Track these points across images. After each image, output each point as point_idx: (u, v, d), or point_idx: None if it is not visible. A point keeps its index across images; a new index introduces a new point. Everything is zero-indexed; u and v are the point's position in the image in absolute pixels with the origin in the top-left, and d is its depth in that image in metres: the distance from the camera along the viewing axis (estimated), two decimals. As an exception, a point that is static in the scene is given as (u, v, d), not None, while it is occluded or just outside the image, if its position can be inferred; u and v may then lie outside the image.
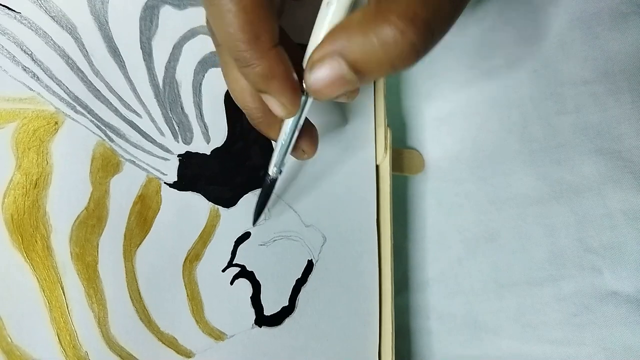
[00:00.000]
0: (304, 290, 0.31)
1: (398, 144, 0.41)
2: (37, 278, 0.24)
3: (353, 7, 0.21)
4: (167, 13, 0.27)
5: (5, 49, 0.24)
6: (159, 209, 0.27)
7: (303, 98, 0.23)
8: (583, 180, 0.34)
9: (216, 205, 0.29)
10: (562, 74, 0.34)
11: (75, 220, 0.25)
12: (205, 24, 0.28)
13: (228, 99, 0.29)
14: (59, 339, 0.24)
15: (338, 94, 0.21)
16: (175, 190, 0.28)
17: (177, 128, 0.28)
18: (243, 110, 0.26)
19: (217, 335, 0.28)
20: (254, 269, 0.29)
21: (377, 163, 0.34)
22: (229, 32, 0.20)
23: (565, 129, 0.34)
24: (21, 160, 0.24)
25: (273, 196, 0.30)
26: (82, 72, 0.26)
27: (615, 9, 0.32)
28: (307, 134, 0.27)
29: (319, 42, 0.21)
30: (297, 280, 0.31)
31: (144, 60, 0.27)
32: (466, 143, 0.39)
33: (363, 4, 0.20)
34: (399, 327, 0.38)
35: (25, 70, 0.25)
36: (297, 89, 0.22)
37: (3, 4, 0.24)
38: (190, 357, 0.27)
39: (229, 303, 0.29)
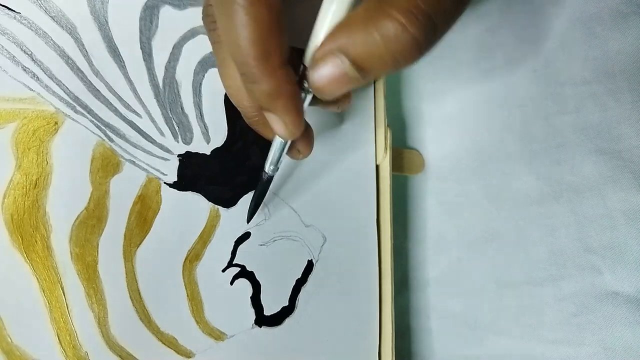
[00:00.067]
0: (304, 290, 0.31)
1: (398, 144, 0.41)
2: (37, 278, 0.24)
3: (354, 5, 0.20)
4: (167, 13, 0.27)
5: (5, 49, 0.24)
6: (159, 209, 0.27)
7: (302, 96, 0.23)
8: (583, 180, 0.34)
9: (216, 205, 0.29)
10: (562, 74, 0.34)
11: (75, 221, 0.25)
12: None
13: (228, 99, 0.29)
14: (59, 339, 0.24)
15: (341, 91, 0.21)
16: (175, 190, 0.28)
17: (177, 128, 0.28)
18: (238, 109, 0.25)
19: (217, 335, 0.28)
20: (254, 269, 0.29)
21: (377, 163, 0.34)
22: (240, 46, 0.20)
23: (565, 129, 0.34)
24: (21, 160, 0.24)
25: (273, 196, 0.30)
26: (82, 72, 0.26)
27: (615, 9, 0.32)
28: (304, 134, 0.27)
29: (321, 39, 0.21)
30: (297, 280, 0.31)
31: (144, 60, 0.27)
32: (466, 143, 0.39)
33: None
34: (399, 327, 0.38)
35: (25, 70, 0.25)
36: (301, 111, 0.22)
37: (3, 4, 0.24)
38: (190, 357, 0.27)
39: (229, 303, 0.29)
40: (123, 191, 0.26)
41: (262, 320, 0.29)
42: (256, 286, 0.29)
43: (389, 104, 0.35)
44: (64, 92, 0.25)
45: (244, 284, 0.29)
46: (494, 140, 0.37)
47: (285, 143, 0.25)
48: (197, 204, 0.28)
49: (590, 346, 0.33)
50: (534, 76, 0.35)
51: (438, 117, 0.40)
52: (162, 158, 0.27)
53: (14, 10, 0.24)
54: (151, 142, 0.27)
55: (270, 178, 0.27)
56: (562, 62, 0.34)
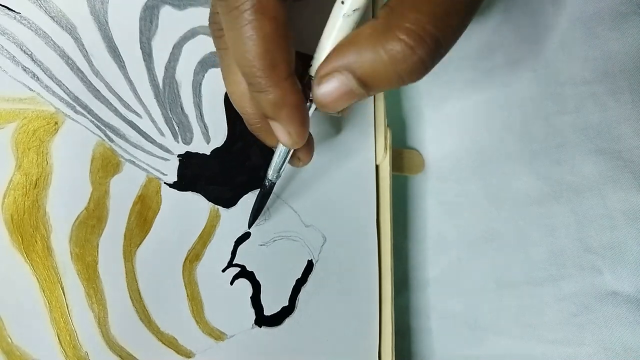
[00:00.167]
0: (304, 290, 0.31)
1: (398, 144, 0.41)
2: (37, 278, 0.24)
3: (359, 21, 0.21)
4: (167, 13, 0.27)
5: (5, 49, 0.24)
6: (159, 209, 0.27)
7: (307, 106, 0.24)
8: (583, 180, 0.34)
9: (216, 206, 0.29)
10: (562, 74, 0.34)
11: (75, 221, 0.25)
12: (206, 25, 0.28)
13: (228, 100, 0.29)
14: (59, 339, 0.24)
15: (344, 106, 0.22)
16: (175, 190, 0.28)
17: (177, 128, 0.28)
18: (241, 115, 0.26)
19: (217, 335, 0.28)
20: (254, 269, 0.29)
21: (377, 163, 0.34)
22: (247, 58, 0.20)
23: (565, 129, 0.34)
24: (21, 160, 0.24)
25: (274, 196, 0.30)
26: (82, 72, 0.26)
27: (615, 9, 0.32)
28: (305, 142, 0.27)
29: (327, 54, 0.21)
30: (297, 280, 0.31)
31: (144, 60, 0.27)
32: (466, 143, 0.39)
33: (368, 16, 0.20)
34: (399, 327, 0.38)
35: (25, 70, 0.25)
36: (305, 121, 0.23)
37: (3, 4, 0.24)
38: (190, 357, 0.27)
39: (229, 303, 0.29)
40: (123, 191, 0.26)
41: (262, 320, 0.29)
42: (256, 286, 0.29)
43: (388, 104, 0.35)
44: (64, 92, 0.25)
45: (244, 284, 0.29)
46: (494, 140, 0.37)
47: (288, 152, 0.26)
48: (197, 204, 0.28)
49: (590, 346, 0.33)
50: (534, 76, 0.35)
51: (438, 117, 0.40)
52: (162, 158, 0.27)
53: (14, 11, 0.24)
54: (151, 142, 0.27)
55: (273, 185, 0.28)
56: (562, 62, 0.34)
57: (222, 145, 0.29)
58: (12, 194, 0.24)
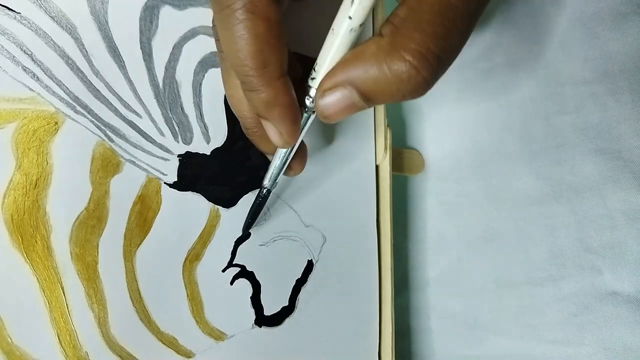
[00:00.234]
0: (304, 290, 0.31)
1: (398, 144, 0.41)
2: (37, 278, 0.24)
3: (357, 37, 0.21)
4: (167, 13, 0.27)
5: (6, 49, 0.24)
6: (159, 209, 0.27)
7: (305, 115, 0.24)
8: (583, 180, 0.34)
9: (216, 206, 0.29)
10: (562, 74, 0.34)
11: (75, 221, 0.25)
12: (206, 25, 0.28)
13: (228, 99, 0.29)
14: (59, 339, 0.24)
15: (345, 117, 0.22)
16: (175, 190, 0.28)
17: (177, 128, 0.28)
18: (239, 119, 0.26)
19: (217, 336, 0.28)
20: (254, 269, 0.29)
21: (377, 163, 0.34)
22: (239, 57, 0.20)
23: (565, 129, 0.34)
24: (21, 160, 0.24)
25: (273, 196, 0.30)
26: (82, 72, 0.26)
27: (615, 9, 0.32)
28: (298, 152, 0.27)
29: (330, 67, 0.22)
30: (297, 280, 0.31)
31: (144, 60, 0.27)
32: (466, 143, 0.39)
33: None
34: (399, 327, 0.38)
35: (25, 70, 0.25)
36: (297, 121, 0.23)
37: (3, 4, 0.24)
38: (190, 357, 0.27)
39: (229, 303, 0.29)
40: (123, 191, 0.26)
41: (262, 320, 0.29)
42: (256, 286, 0.29)
43: (389, 104, 0.35)
44: (64, 92, 0.25)
45: (244, 284, 0.29)
46: (494, 140, 0.37)
47: (285, 160, 0.26)
48: (197, 204, 0.28)
49: (590, 346, 0.33)
50: (534, 76, 0.35)
51: (438, 117, 0.40)
52: (162, 158, 0.27)
53: (14, 11, 0.24)
54: (151, 142, 0.27)
55: (269, 193, 0.28)
56: (562, 62, 0.34)
57: (222, 145, 0.29)
58: (12, 194, 0.24)
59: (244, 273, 0.29)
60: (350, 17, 0.21)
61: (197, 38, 0.28)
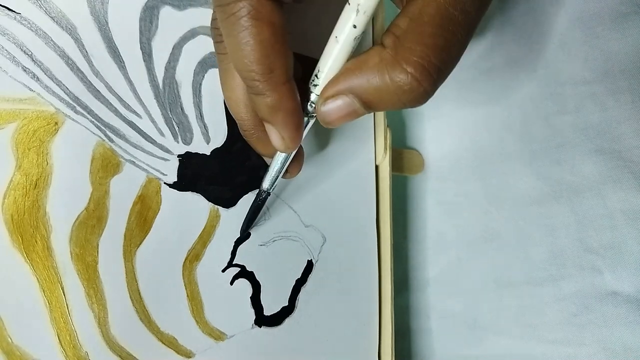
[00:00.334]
0: (303, 290, 0.31)
1: (398, 144, 0.41)
2: (37, 278, 0.24)
3: (357, 45, 0.22)
4: (167, 13, 0.27)
5: (6, 50, 0.24)
6: (159, 209, 0.27)
7: (305, 120, 0.24)
8: (583, 180, 0.34)
9: (216, 206, 0.29)
10: (562, 74, 0.34)
11: (75, 221, 0.25)
12: (206, 25, 0.28)
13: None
14: (59, 339, 0.24)
15: (346, 122, 0.23)
16: (175, 190, 0.28)
17: (177, 128, 0.28)
18: (236, 121, 0.26)
19: (217, 336, 0.28)
20: (254, 269, 0.29)
21: (377, 163, 0.34)
22: (245, 63, 0.21)
23: (565, 129, 0.34)
24: (21, 160, 0.24)
25: (273, 196, 0.30)
26: (82, 72, 0.26)
27: (615, 9, 0.32)
28: (295, 155, 0.27)
29: (332, 75, 0.22)
30: (296, 280, 0.31)
31: (144, 60, 0.27)
32: (466, 143, 0.39)
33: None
34: (399, 327, 0.38)
35: (25, 70, 0.25)
36: (300, 127, 0.23)
37: (3, 4, 0.24)
38: (190, 357, 0.27)
39: (229, 303, 0.29)
40: (123, 191, 0.26)
41: (262, 320, 0.29)
42: (256, 286, 0.29)
43: (388, 104, 0.35)
44: (64, 92, 0.25)
45: (243, 284, 0.29)
46: (494, 140, 0.37)
47: (284, 163, 0.26)
48: (197, 204, 0.28)
49: (590, 346, 0.33)
50: (534, 76, 0.35)
51: (438, 117, 0.40)
52: (162, 158, 0.28)
53: (14, 11, 0.24)
54: (151, 143, 0.27)
55: (268, 195, 0.28)
56: (562, 62, 0.34)
57: (222, 145, 0.29)
58: (12, 194, 0.24)
59: (244, 273, 0.29)
60: (354, 26, 0.21)
61: (197, 38, 0.28)
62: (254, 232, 0.30)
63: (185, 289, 0.28)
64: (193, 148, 0.28)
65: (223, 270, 0.29)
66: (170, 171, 0.28)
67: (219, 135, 0.29)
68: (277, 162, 0.26)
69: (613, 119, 0.33)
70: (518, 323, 0.36)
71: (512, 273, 0.36)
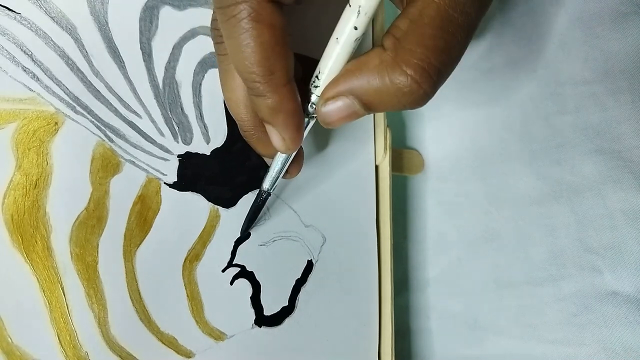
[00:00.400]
0: (303, 290, 0.31)
1: (398, 144, 0.41)
2: (37, 278, 0.24)
3: (357, 46, 0.22)
4: (167, 14, 0.27)
5: (6, 50, 0.24)
6: (159, 209, 0.27)
7: (305, 120, 0.24)
8: (583, 180, 0.34)
9: (216, 206, 0.29)
10: (562, 74, 0.34)
11: (75, 221, 0.25)
12: (205, 25, 0.28)
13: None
14: (59, 339, 0.24)
15: (346, 123, 0.23)
16: (175, 190, 0.28)
17: (176, 128, 0.28)
18: (236, 122, 0.26)
19: (217, 335, 0.28)
20: (254, 269, 0.29)
21: (377, 163, 0.34)
22: (246, 65, 0.21)
23: (565, 129, 0.34)
24: (21, 160, 0.24)
25: (273, 196, 0.30)
26: (82, 72, 0.26)
27: (615, 9, 0.32)
28: (295, 156, 0.27)
29: (333, 76, 0.22)
30: (296, 280, 0.31)
31: (144, 60, 0.27)
32: (466, 143, 0.39)
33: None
34: (399, 327, 0.38)
35: (25, 70, 0.25)
36: (301, 128, 0.23)
37: (3, 4, 0.24)
38: (190, 357, 0.27)
39: (229, 303, 0.29)
40: (123, 191, 0.26)
41: (262, 320, 0.29)
42: (256, 286, 0.29)
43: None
44: (64, 92, 0.25)
45: (243, 284, 0.29)
46: (494, 140, 0.37)
47: (285, 164, 0.26)
48: (197, 204, 0.28)
49: (590, 346, 0.33)
50: (534, 76, 0.35)
51: (438, 117, 0.40)
52: (162, 158, 0.28)
53: (14, 11, 0.24)
54: (151, 143, 0.27)
55: (268, 196, 0.28)
56: (562, 62, 0.34)
57: (222, 145, 0.29)
58: (12, 194, 0.24)
59: (244, 273, 0.29)
60: (355, 28, 0.21)
61: (197, 38, 0.28)
62: (254, 232, 0.30)
63: (185, 289, 0.28)
64: (193, 148, 0.28)
65: (223, 270, 0.29)
66: (170, 171, 0.28)
67: (219, 135, 0.29)
68: (277, 163, 0.26)
69: (613, 119, 0.33)
70: (518, 323, 0.36)
71: (512, 273, 0.36)
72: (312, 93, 0.23)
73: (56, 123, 0.25)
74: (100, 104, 0.26)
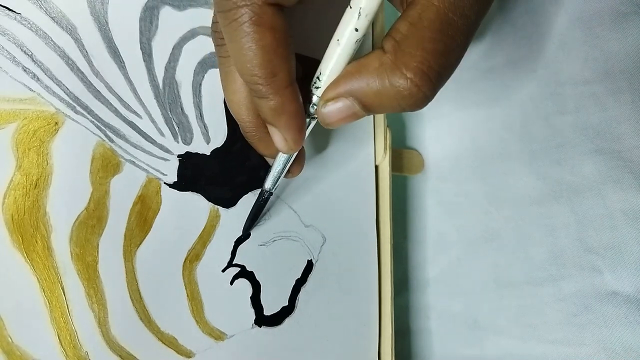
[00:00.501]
0: (303, 290, 0.31)
1: (398, 144, 0.41)
2: (37, 278, 0.24)
3: (358, 48, 0.22)
4: (167, 14, 0.27)
5: (6, 50, 0.24)
6: (159, 209, 0.27)
7: (307, 121, 0.24)
8: (583, 180, 0.34)
9: (216, 206, 0.29)
10: (562, 74, 0.34)
11: (75, 221, 0.25)
12: (205, 25, 0.28)
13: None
14: (59, 339, 0.24)
15: (345, 123, 0.23)
16: (175, 190, 0.28)
17: (177, 128, 0.28)
18: (238, 123, 0.26)
19: (217, 335, 0.28)
20: (254, 269, 0.29)
21: (377, 163, 0.34)
22: (248, 67, 0.21)
23: (565, 129, 0.34)
24: (21, 160, 0.24)
25: (273, 196, 0.30)
26: (82, 72, 0.26)
27: (615, 9, 0.32)
28: (297, 155, 0.28)
29: (333, 77, 0.22)
30: (296, 280, 0.31)
31: (144, 60, 0.27)
32: (466, 143, 0.39)
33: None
34: (399, 327, 0.38)
35: (25, 70, 0.25)
36: (303, 129, 0.24)
37: (3, 4, 0.24)
38: (190, 357, 0.27)
39: (229, 303, 0.29)
40: (123, 191, 0.26)
41: (262, 320, 0.29)
42: (256, 286, 0.29)
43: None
44: (64, 92, 0.25)
45: (243, 284, 0.29)
46: (494, 140, 0.37)
47: (286, 163, 0.26)
48: (197, 204, 0.28)
49: (590, 346, 0.33)
50: (534, 76, 0.35)
51: (438, 117, 0.40)
52: (162, 158, 0.28)
53: (14, 11, 0.24)
54: (151, 143, 0.27)
55: (270, 195, 0.28)
56: (562, 62, 0.34)
57: (222, 146, 0.29)
58: (12, 194, 0.24)
59: (244, 273, 0.29)
60: (356, 30, 0.21)
61: (197, 38, 0.28)
62: (254, 232, 0.30)
63: (185, 288, 0.28)
64: (193, 148, 0.28)
65: (223, 270, 0.29)
66: (170, 171, 0.28)
67: (219, 135, 0.29)
68: (279, 163, 0.26)
69: (613, 119, 0.33)
70: (518, 323, 0.36)
71: (512, 273, 0.36)
72: (313, 94, 0.24)
73: (56, 123, 0.25)
74: (101, 104, 0.26)
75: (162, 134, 0.28)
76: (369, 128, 0.34)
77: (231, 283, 0.29)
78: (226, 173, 0.29)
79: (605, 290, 0.33)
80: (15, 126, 0.24)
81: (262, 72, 0.21)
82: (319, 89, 0.23)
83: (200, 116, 0.28)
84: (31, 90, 0.25)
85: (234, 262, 0.29)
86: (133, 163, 0.27)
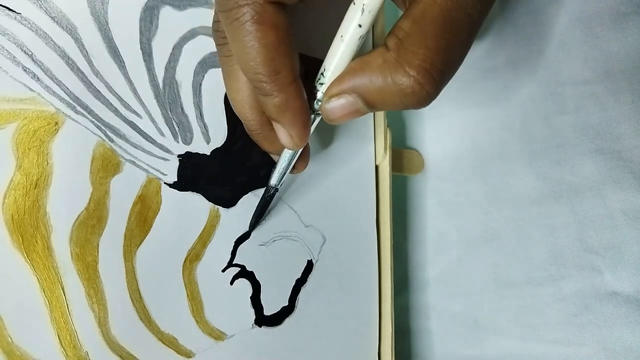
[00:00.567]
0: (303, 290, 0.31)
1: (398, 144, 0.41)
2: (37, 278, 0.24)
3: (361, 44, 0.22)
4: (167, 14, 0.27)
5: (6, 50, 0.24)
6: (159, 209, 0.27)
7: (311, 117, 0.24)
8: (583, 180, 0.34)
9: (216, 206, 0.29)
10: (562, 74, 0.34)
11: (75, 221, 0.25)
12: (206, 25, 0.28)
13: (228, 100, 0.29)
14: (59, 339, 0.24)
15: (348, 120, 0.23)
16: (175, 190, 0.28)
17: (177, 128, 0.28)
18: (242, 121, 0.26)
19: (217, 335, 0.28)
20: (254, 269, 0.29)
21: (377, 163, 0.34)
22: (251, 66, 0.21)
23: (565, 129, 0.34)
24: (21, 160, 0.24)
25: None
26: (82, 72, 0.26)
27: (615, 9, 0.32)
28: (302, 151, 0.28)
29: (337, 73, 0.22)
30: (296, 280, 0.31)
31: (144, 60, 0.27)
32: (466, 143, 0.39)
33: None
34: (399, 327, 0.38)
35: (25, 70, 0.25)
36: (307, 125, 0.24)
37: (3, 4, 0.24)
38: (190, 357, 0.27)
39: (229, 303, 0.29)
40: (123, 191, 0.26)
41: (262, 320, 0.29)
42: (256, 286, 0.29)
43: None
44: (65, 92, 0.25)
45: (243, 284, 0.29)
46: (494, 140, 0.37)
47: (292, 159, 0.26)
48: (197, 204, 0.28)
49: (590, 346, 0.33)
50: (534, 76, 0.35)
51: (438, 117, 0.40)
52: (162, 158, 0.28)
53: (14, 11, 0.24)
54: (151, 143, 0.27)
55: (276, 191, 0.28)
56: (562, 62, 0.34)
57: (222, 145, 0.29)
58: (12, 194, 0.24)
59: (244, 273, 0.29)
60: (360, 26, 0.21)
61: (197, 38, 0.28)
62: (254, 232, 0.30)
63: (185, 288, 0.28)
64: (193, 148, 0.28)
65: (223, 270, 0.29)
66: (171, 171, 0.28)
67: (219, 135, 0.29)
68: (284, 159, 0.27)
69: (613, 119, 0.33)
70: (518, 323, 0.36)
71: (512, 273, 0.36)
72: (317, 90, 0.24)
73: (56, 123, 0.25)
74: (101, 104, 0.26)
75: (162, 133, 0.28)
76: (369, 128, 0.34)
77: (231, 283, 0.29)
78: (226, 173, 0.29)
79: (605, 290, 0.33)
80: (15, 126, 0.24)
81: (265, 70, 0.21)
82: (323, 85, 0.23)
83: (201, 116, 0.28)
84: (31, 90, 0.25)
85: (234, 262, 0.29)
86: (133, 163, 0.27)
